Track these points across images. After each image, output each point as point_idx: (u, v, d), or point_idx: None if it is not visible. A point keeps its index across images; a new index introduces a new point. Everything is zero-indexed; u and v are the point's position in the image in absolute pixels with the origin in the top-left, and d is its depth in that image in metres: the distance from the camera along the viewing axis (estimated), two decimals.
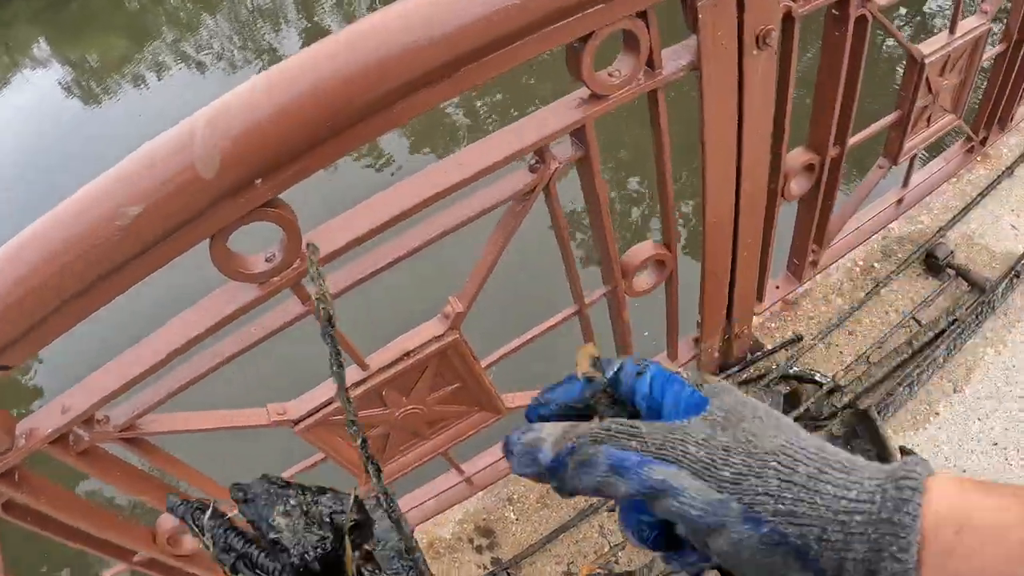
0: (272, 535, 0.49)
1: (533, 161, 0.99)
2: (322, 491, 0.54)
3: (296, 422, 1.05)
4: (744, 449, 0.36)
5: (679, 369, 0.44)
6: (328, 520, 0.51)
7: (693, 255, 1.51)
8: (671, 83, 0.98)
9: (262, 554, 0.49)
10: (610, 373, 0.44)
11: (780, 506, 0.35)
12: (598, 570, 1.36)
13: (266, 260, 0.86)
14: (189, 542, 1.27)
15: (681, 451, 0.36)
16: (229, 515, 0.51)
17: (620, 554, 1.38)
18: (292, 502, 0.51)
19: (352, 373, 1.05)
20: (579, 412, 0.44)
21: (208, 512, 0.50)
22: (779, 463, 0.36)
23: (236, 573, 0.49)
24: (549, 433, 0.40)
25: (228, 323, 0.89)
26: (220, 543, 0.49)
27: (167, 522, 1.21)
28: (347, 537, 0.51)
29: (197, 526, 0.49)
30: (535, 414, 0.45)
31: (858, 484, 0.35)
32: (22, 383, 3.82)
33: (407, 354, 1.05)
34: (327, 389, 1.06)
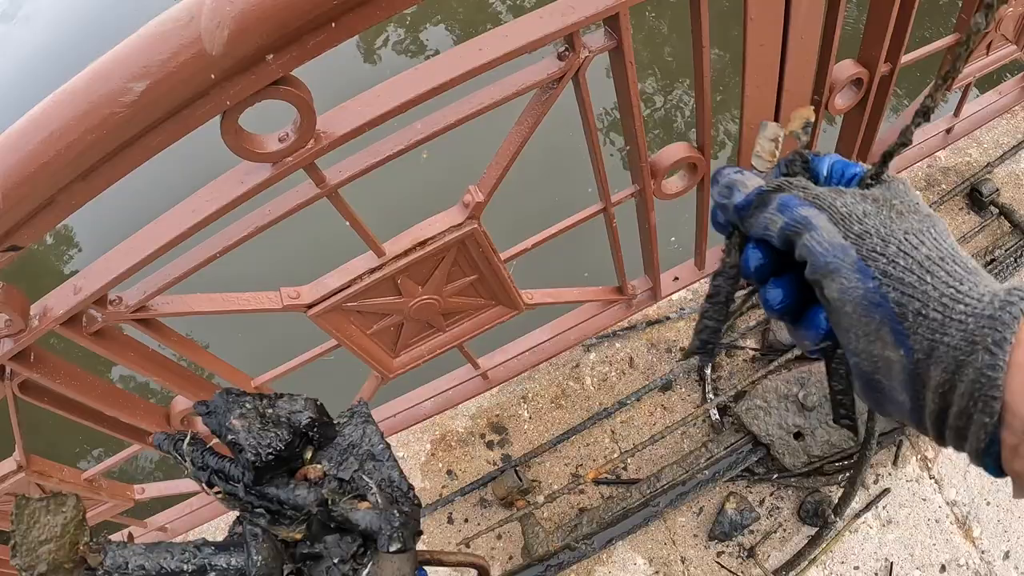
0: (229, 437, 0.51)
1: (562, 48, 0.93)
2: (279, 396, 0.56)
3: (309, 306, 1.04)
4: (882, 220, 0.38)
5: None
6: (285, 420, 0.53)
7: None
8: None
9: (232, 465, 0.52)
10: (794, 157, 0.46)
11: (891, 268, 0.36)
12: (606, 475, 1.38)
13: (279, 140, 0.83)
14: (201, 423, 1.30)
15: (829, 202, 0.39)
16: (206, 442, 0.55)
17: (629, 461, 1.40)
18: (248, 406, 0.53)
19: (367, 260, 1.03)
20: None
21: (187, 439, 0.54)
22: (905, 238, 0.37)
23: (212, 486, 0.52)
24: (752, 181, 0.45)
25: (240, 203, 0.86)
26: (197, 462, 0.52)
27: (180, 403, 1.23)
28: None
29: (178, 453, 0.53)
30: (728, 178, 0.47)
31: (972, 283, 0.35)
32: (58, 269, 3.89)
33: (424, 242, 1.02)
34: (342, 274, 1.04)
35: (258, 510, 0.49)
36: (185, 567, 0.43)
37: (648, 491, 1.30)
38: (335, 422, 0.57)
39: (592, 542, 1.31)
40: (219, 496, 0.52)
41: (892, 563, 1.29)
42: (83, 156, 0.73)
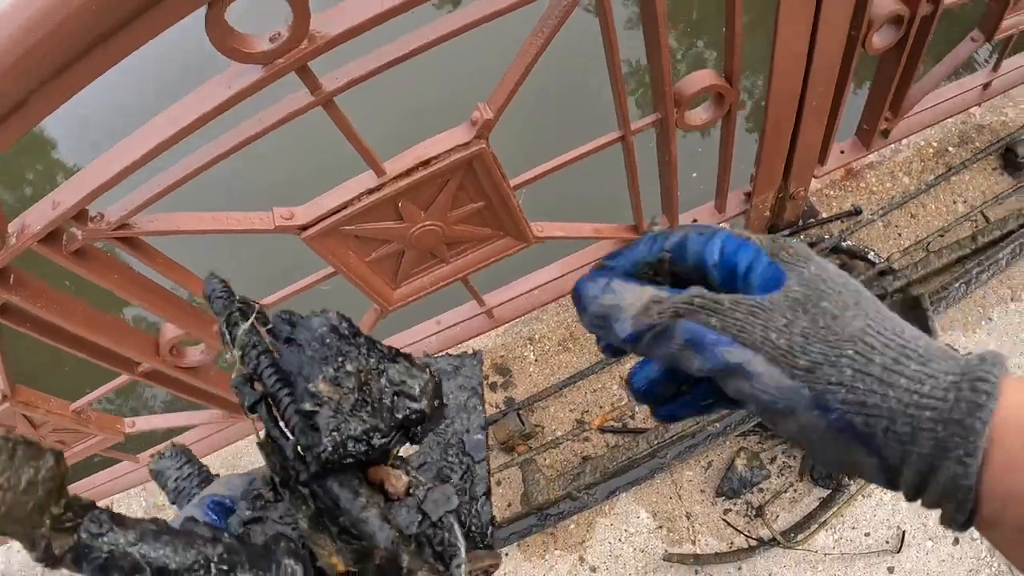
0: (307, 405, 0.34)
1: None
2: (396, 356, 0.37)
3: (303, 228, 0.97)
4: (822, 336, 0.35)
5: (747, 233, 0.40)
6: (389, 404, 0.35)
7: (758, 120, 1.38)
8: None
9: (292, 405, 0.34)
10: (675, 238, 0.40)
11: (851, 396, 0.34)
12: (612, 422, 1.33)
13: (270, 40, 0.76)
14: (192, 354, 1.25)
15: (761, 336, 0.35)
16: (268, 339, 0.36)
17: (637, 409, 1.34)
18: (349, 366, 0.35)
19: (367, 179, 0.96)
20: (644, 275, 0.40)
21: (247, 322, 0.35)
22: (855, 351, 0.34)
23: (252, 412, 0.35)
24: (629, 303, 0.38)
25: (227, 108, 0.79)
26: (250, 363, 0.35)
27: (170, 332, 1.18)
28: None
29: (230, 335, 0.35)
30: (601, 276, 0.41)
31: (933, 378, 0.34)
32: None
33: (427, 161, 0.94)
34: (339, 194, 0.97)
35: (302, 489, 0.34)
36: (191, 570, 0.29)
37: (655, 441, 1.25)
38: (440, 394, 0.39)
39: (594, 492, 1.27)
40: (259, 442, 0.36)
41: (904, 531, 1.24)
42: (55, 52, 0.67)
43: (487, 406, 1.41)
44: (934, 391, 0.33)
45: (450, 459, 0.41)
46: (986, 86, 1.47)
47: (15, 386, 1.20)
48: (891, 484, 0.36)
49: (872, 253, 1.40)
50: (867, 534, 1.25)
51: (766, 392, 0.35)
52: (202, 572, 0.29)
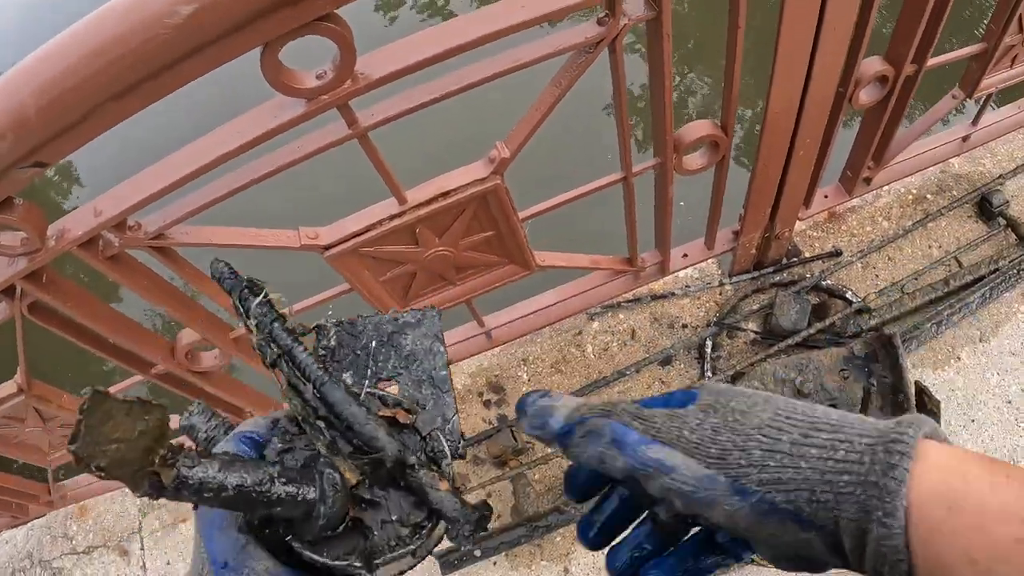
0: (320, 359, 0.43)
1: (603, 14, 0.95)
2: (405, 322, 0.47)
3: (326, 248, 1.05)
4: (731, 427, 0.37)
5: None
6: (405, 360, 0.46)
7: (747, 158, 1.47)
8: None
9: (309, 358, 0.43)
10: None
11: (764, 475, 0.35)
12: None
13: (317, 77, 0.84)
14: (206, 359, 1.32)
15: (676, 434, 0.38)
16: (279, 306, 0.45)
17: None
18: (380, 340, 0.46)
19: (389, 206, 1.04)
20: None
21: (258, 298, 0.43)
22: (763, 435, 0.36)
23: (274, 367, 0.44)
24: (563, 404, 0.42)
25: (272, 137, 0.87)
26: (265, 331, 0.43)
27: (187, 336, 1.25)
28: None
29: (244, 308, 0.43)
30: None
31: (847, 443, 0.35)
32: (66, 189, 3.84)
33: (447, 193, 1.03)
34: (362, 218, 1.05)
35: (319, 423, 0.43)
36: (260, 491, 0.36)
37: None
38: (400, 320, 0.50)
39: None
40: (282, 389, 0.44)
41: None
42: (122, 75, 0.73)
43: (481, 421, 1.49)
44: (849, 455, 0.34)
45: (423, 391, 0.49)
46: (965, 138, 1.58)
47: (32, 380, 1.26)
48: (845, 560, 0.36)
49: (850, 292, 1.50)
50: None
51: (685, 483, 0.37)
52: (268, 485, 0.36)
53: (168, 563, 1.56)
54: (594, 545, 0.45)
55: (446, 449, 0.45)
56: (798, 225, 1.53)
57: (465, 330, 1.49)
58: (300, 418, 0.43)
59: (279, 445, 0.43)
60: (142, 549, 1.59)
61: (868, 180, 1.53)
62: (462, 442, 0.47)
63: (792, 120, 1.23)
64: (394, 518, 0.42)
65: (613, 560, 0.44)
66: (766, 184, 1.34)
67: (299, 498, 0.37)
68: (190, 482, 0.33)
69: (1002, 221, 1.57)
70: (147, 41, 0.71)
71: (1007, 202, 1.57)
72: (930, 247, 1.58)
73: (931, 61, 1.31)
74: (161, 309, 1.13)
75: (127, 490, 1.56)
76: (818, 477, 0.35)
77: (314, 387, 0.42)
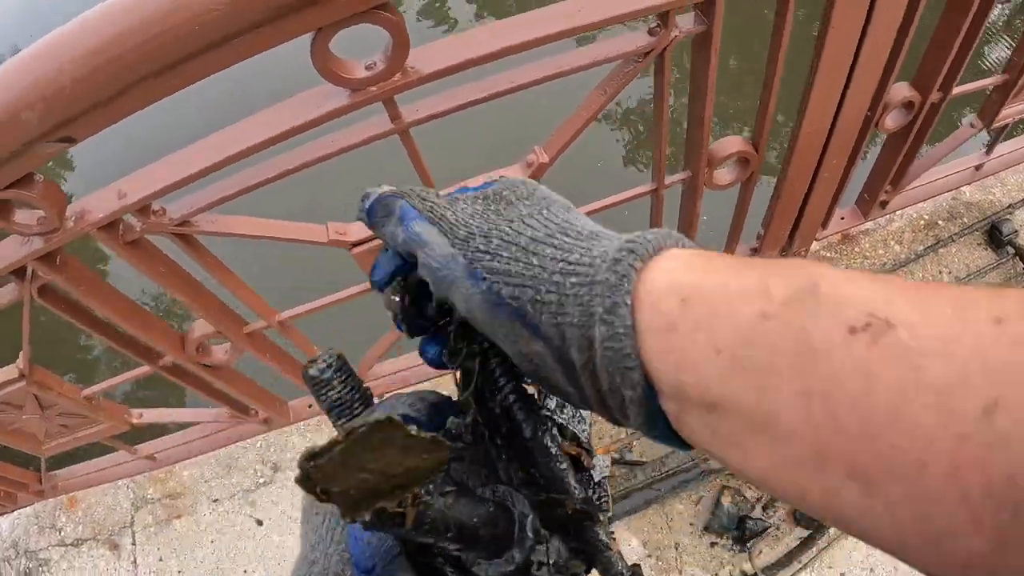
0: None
1: (654, 24, 0.93)
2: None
3: (354, 244, 1.02)
4: (486, 214, 0.36)
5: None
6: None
7: (768, 175, 1.47)
8: None
9: (506, 365, 0.38)
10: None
11: (495, 263, 0.33)
12: (612, 453, 1.39)
13: (366, 68, 0.81)
14: (216, 352, 1.27)
15: (440, 214, 0.37)
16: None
17: (635, 443, 1.40)
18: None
19: None
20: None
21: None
22: (510, 227, 0.34)
23: (458, 368, 0.40)
24: (380, 188, 0.41)
25: (314, 126, 0.84)
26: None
27: (199, 329, 1.21)
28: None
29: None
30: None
31: (585, 249, 0.32)
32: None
33: None
34: None
35: (497, 440, 0.37)
36: (471, 528, 0.33)
37: (652, 474, 1.31)
38: None
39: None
40: (461, 394, 0.38)
41: (873, 571, 1.32)
42: (167, 51, 0.70)
43: None
44: (583, 258, 0.31)
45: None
46: (978, 167, 1.59)
47: (33, 366, 1.21)
48: (577, 387, 0.32)
49: None
50: (842, 574, 1.32)
51: (434, 260, 0.35)
52: (488, 528, 0.33)
53: (160, 559, 1.51)
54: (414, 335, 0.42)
55: (610, 502, 0.41)
56: (812, 245, 1.52)
57: None
58: (472, 431, 0.38)
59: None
60: (133, 544, 1.53)
61: (884, 204, 1.53)
62: (610, 499, 0.42)
63: (822, 141, 1.22)
64: (551, 561, 0.37)
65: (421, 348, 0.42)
66: (791, 202, 1.33)
67: (500, 545, 0.34)
68: (424, 521, 0.30)
69: (1010, 250, 1.58)
70: (199, 16, 0.68)
71: (1016, 231, 1.58)
72: (940, 272, 1.58)
73: (956, 90, 1.31)
74: (178, 297, 1.09)
75: (119, 482, 1.50)
76: (546, 276, 0.32)
77: (506, 401, 0.37)
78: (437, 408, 0.39)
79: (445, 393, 0.42)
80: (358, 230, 1.03)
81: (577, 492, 0.37)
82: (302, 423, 1.56)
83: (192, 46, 0.71)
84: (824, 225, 1.48)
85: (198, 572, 1.48)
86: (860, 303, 0.24)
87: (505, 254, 0.33)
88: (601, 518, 0.38)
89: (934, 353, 0.22)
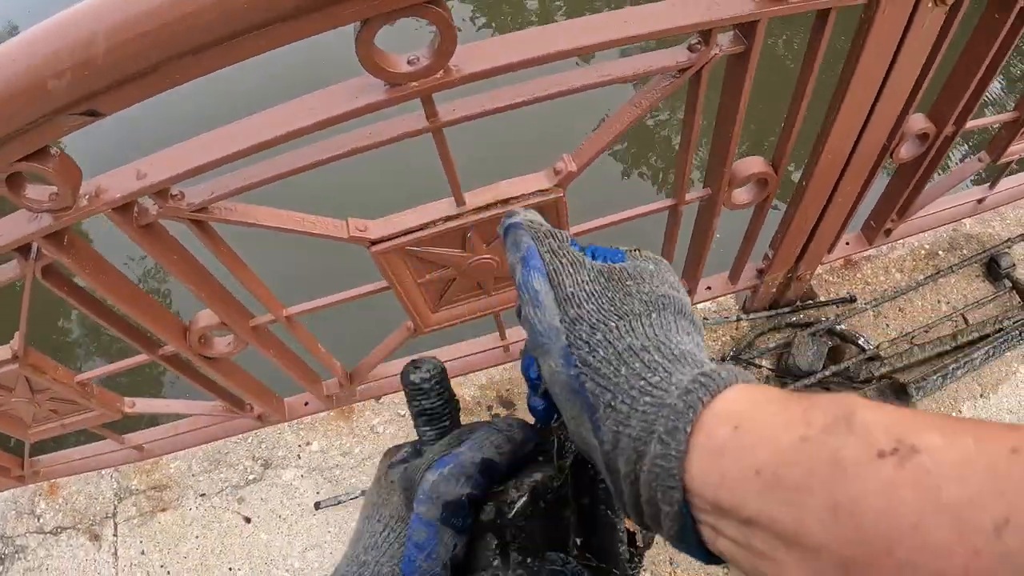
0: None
1: (695, 41, 0.92)
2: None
3: (374, 242, 0.99)
4: (602, 303, 0.37)
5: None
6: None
7: (779, 197, 1.47)
8: (843, 7, 0.92)
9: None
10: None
11: (591, 358, 0.35)
12: None
13: (408, 62, 0.79)
14: (219, 344, 1.23)
15: (560, 278, 0.38)
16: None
17: None
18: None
19: (446, 206, 0.99)
20: None
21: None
22: (616, 326, 0.36)
23: (558, 447, 0.42)
24: (523, 211, 0.43)
25: (349, 119, 0.81)
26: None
27: (204, 319, 1.16)
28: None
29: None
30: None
31: (666, 374, 0.34)
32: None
33: (507, 200, 0.98)
34: (416, 216, 0.99)
35: (573, 504, 0.40)
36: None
37: None
38: None
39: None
40: (562, 463, 0.40)
41: None
42: (211, 28, 0.67)
43: None
44: (661, 382, 0.34)
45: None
46: (981, 200, 1.60)
47: (27, 348, 1.16)
48: (616, 487, 0.35)
49: (863, 339, 1.50)
50: None
51: (539, 324, 0.37)
52: None
53: (143, 552, 1.45)
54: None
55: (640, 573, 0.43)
56: (816, 269, 1.52)
57: (484, 342, 1.44)
58: (556, 492, 0.40)
59: (527, 504, 0.39)
60: (115, 535, 1.48)
61: (889, 232, 1.53)
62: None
63: (840, 168, 1.22)
64: None
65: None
66: (803, 226, 1.33)
67: None
68: None
69: (1008, 283, 1.59)
70: None
71: (1014, 265, 1.59)
72: (939, 302, 1.59)
73: (969, 123, 1.32)
74: (186, 286, 1.05)
75: (103, 472, 1.46)
76: (626, 387, 0.34)
77: (597, 473, 0.40)
78: (519, 447, 0.41)
79: (525, 419, 0.44)
80: (378, 227, 1.00)
81: (626, 567, 0.40)
82: (296, 421, 1.52)
83: (238, 25, 0.68)
84: (830, 249, 1.48)
85: (181, 567, 1.43)
86: (890, 430, 0.26)
87: (601, 353, 0.35)
88: None
89: (953, 476, 0.24)
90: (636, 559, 0.42)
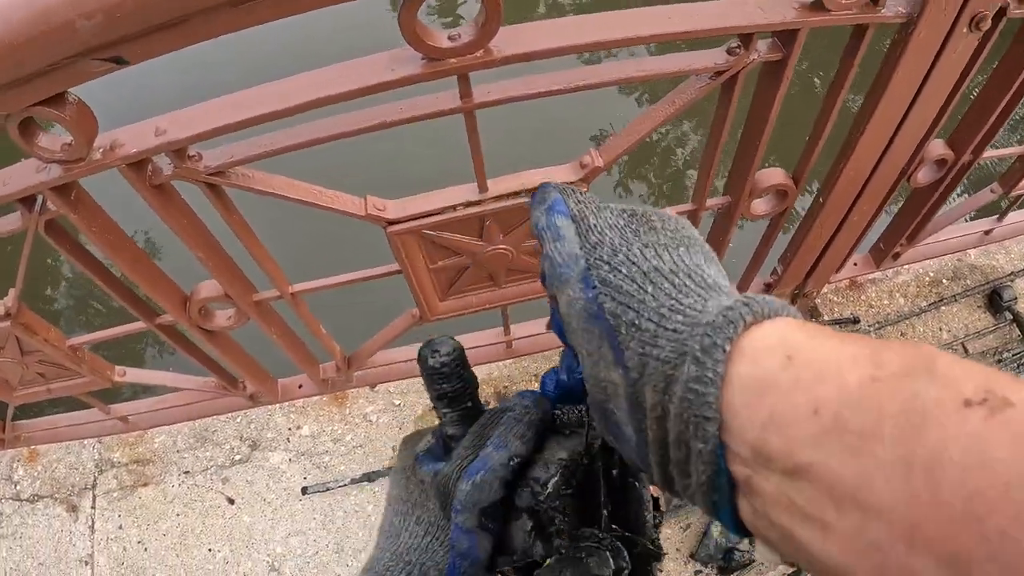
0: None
1: (734, 45, 0.90)
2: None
3: (391, 223, 0.96)
4: (625, 233, 0.34)
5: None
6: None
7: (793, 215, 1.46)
8: (881, 26, 0.91)
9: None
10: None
11: (611, 276, 0.32)
12: None
13: (449, 39, 0.76)
14: (219, 317, 1.19)
15: (583, 214, 0.35)
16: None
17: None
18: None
19: (468, 191, 0.96)
20: None
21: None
22: (640, 251, 0.33)
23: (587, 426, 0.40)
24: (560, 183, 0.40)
25: (383, 90, 0.79)
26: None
27: (206, 290, 1.13)
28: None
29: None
30: None
31: (700, 297, 0.30)
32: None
33: (530, 190, 0.96)
34: (437, 199, 0.96)
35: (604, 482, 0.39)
36: None
37: None
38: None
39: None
40: (592, 446, 0.39)
41: None
42: None
43: None
44: (695, 304, 0.30)
45: None
46: (988, 232, 1.61)
47: (21, 306, 1.11)
48: (640, 431, 0.30)
49: None
50: None
51: (559, 255, 0.34)
52: None
53: (120, 527, 1.41)
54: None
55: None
56: (823, 288, 1.51)
57: (487, 335, 1.41)
58: (586, 471, 0.38)
59: (559, 484, 0.37)
60: (93, 508, 1.43)
61: (897, 256, 1.53)
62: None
63: (859, 186, 1.21)
64: None
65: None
66: (816, 243, 1.31)
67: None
68: None
69: (1009, 316, 1.59)
70: None
71: (1016, 298, 1.59)
72: (940, 330, 1.58)
73: (987, 153, 1.32)
74: (194, 252, 1.02)
75: (85, 441, 1.42)
76: (654, 305, 0.30)
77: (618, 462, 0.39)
78: (541, 427, 0.39)
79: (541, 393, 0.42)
80: (396, 208, 0.98)
81: (652, 533, 0.38)
82: (288, 403, 1.49)
83: None
84: (838, 269, 1.47)
85: (160, 545, 1.39)
86: (976, 379, 0.23)
87: (624, 271, 0.32)
88: (661, 558, 0.39)
89: None
90: (658, 525, 0.41)
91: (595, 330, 0.31)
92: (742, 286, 1.44)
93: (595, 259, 0.33)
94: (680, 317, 0.29)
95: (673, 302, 0.30)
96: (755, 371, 0.26)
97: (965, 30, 0.96)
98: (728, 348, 0.27)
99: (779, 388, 0.25)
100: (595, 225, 0.34)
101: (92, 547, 1.40)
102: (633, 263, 0.32)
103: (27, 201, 0.93)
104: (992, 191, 1.48)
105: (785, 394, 0.25)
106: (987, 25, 0.95)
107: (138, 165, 0.87)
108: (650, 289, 0.31)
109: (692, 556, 1.33)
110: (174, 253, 2.48)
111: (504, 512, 0.37)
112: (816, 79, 3.24)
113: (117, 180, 0.88)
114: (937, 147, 1.27)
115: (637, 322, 0.30)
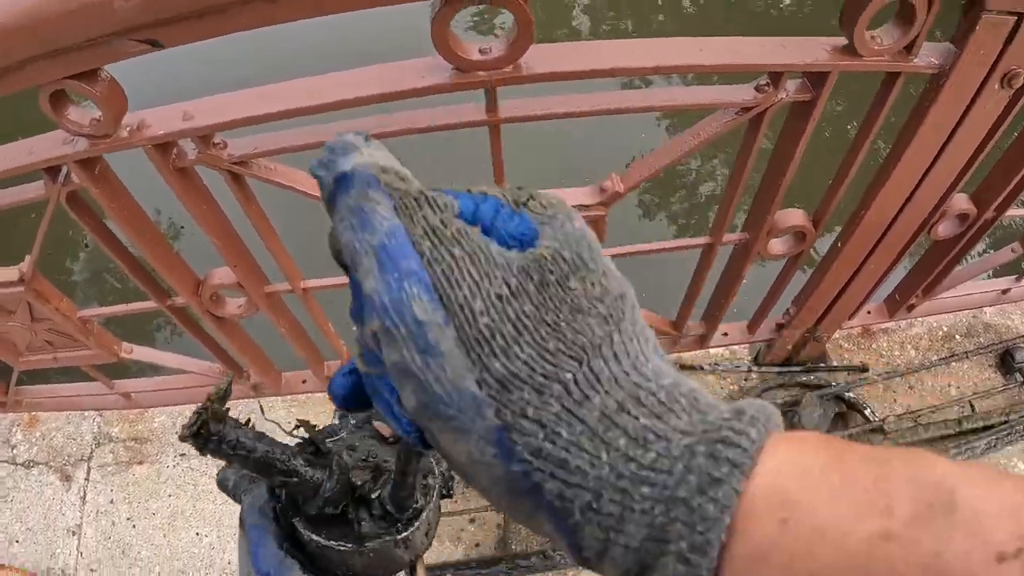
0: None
1: (764, 82, 0.90)
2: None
3: None
4: (540, 338, 0.24)
5: (484, 187, 0.29)
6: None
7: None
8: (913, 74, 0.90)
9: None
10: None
11: (548, 445, 0.23)
12: None
13: (480, 51, 0.77)
14: (230, 305, 1.20)
15: (465, 295, 0.23)
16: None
17: None
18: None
19: None
20: None
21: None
22: (577, 377, 0.24)
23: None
24: (369, 154, 0.26)
25: (412, 96, 0.79)
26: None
27: (218, 277, 1.13)
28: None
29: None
30: None
31: (663, 441, 0.23)
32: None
33: None
34: None
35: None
36: (280, 460, 0.38)
37: None
38: None
39: (568, 557, 1.26)
40: (393, 441, 0.43)
41: None
42: None
43: None
44: (659, 460, 0.23)
45: None
46: (1005, 291, 1.59)
47: (36, 272, 1.13)
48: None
49: (869, 410, 1.47)
50: None
51: (440, 384, 0.24)
52: (287, 457, 0.38)
53: (111, 502, 1.41)
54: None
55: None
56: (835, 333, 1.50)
57: None
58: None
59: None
60: (87, 480, 1.44)
61: (911, 307, 1.51)
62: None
63: (879, 235, 1.20)
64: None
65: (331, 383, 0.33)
66: (832, 287, 1.30)
67: (310, 474, 0.39)
68: (228, 439, 0.35)
69: (1020, 377, 1.57)
70: None
71: None
72: (949, 385, 1.56)
73: (1010, 212, 1.30)
74: (211, 239, 1.02)
75: (86, 413, 1.42)
76: (612, 479, 0.23)
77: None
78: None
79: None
80: None
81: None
82: (290, 396, 1.49)
83: None
84: (852, 316, 1.46)
85: (148, 524, 1.39)
86: (1007, 522, 0.19)
87: (565, 435, 0.23)
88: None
89: None
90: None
91: (527, 503, 0.25)
92: (753, 324, 1.43)
93: (516, 415, 0.24)
94: (647, 489, 0.23)
95: (634, 465, 0.23)
96: (748, 547, 0.22)
97: (997, 86, 0.95)
98: (723, 539, 0.22)
99: (773, 563, 0.22)
100: (492, 335, 0.24)
101: (81, 518, 1.40)
102: (573, 416, 0.24)
103: (52, 171, 0.94)
104: (1013, 251, 1.46)
105: (780, 568, 0.22)
106: (1019, 83, 0.93)
107: (164, 147, 0.88)
108: (605, 456, 0.23)
109: None
110: (190, 237, 2.49)
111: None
112: (841, 121, 3.22)
113: (140, 161, 0.89)
114: (960, 201, 1.26)
115: (595, 506, 0.23)
